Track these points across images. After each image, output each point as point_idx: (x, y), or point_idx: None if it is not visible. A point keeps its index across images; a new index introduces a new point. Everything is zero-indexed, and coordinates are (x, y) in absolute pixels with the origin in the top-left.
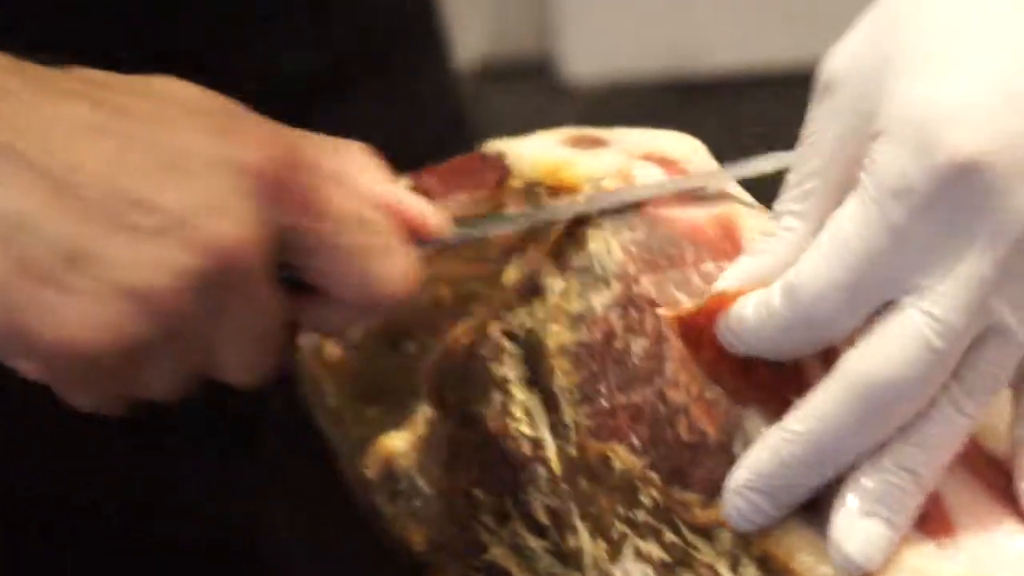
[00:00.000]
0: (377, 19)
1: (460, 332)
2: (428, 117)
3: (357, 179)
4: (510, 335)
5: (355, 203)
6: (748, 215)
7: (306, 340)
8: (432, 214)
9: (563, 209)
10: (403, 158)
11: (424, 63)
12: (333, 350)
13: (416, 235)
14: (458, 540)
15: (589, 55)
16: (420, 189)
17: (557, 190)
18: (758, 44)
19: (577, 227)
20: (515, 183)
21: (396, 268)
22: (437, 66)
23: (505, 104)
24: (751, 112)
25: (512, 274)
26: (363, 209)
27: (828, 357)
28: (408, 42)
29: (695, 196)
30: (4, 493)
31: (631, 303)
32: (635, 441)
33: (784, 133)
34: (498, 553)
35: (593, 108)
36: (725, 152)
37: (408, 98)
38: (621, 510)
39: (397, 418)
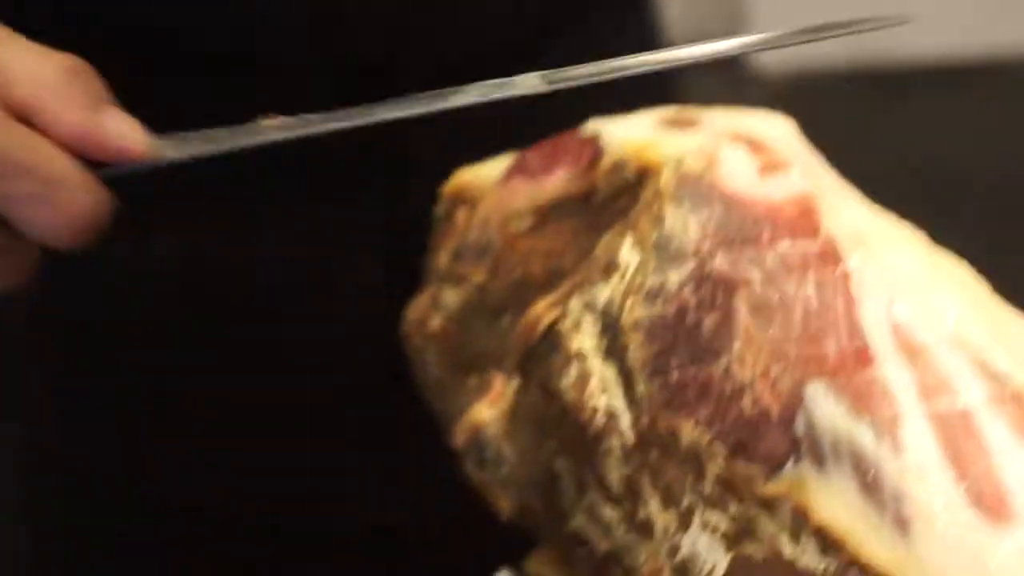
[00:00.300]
0: None
1: (542, 306)
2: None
3: (44, 111)
4: (589, 308)
5: (26, 148)
6: (828, 194)
7: (411, 312)
8: (130, 137)
9: (268, 131)
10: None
11: (626, 27)
12: (435, 321)
13: (116, 159)
14: (543, 508)
15: None
16: (524, 166)
17: (641, 170)
18: (946, 34)
19: (656, 202)
20: (606, 163)
21: (68, 213)
22: (641, 30)
23: (694, 93)
24: (939, 102)
25: (600, 250)
26: (35, 153)
27: (905, 348)
28: (608, 5)
29: (775, 173)
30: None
31: (704, 280)
32: (702, 414)
33: (969, 123)
34: (580, 521)
35: (782, 97)
36: (909, 141)
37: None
38: (689, 481)
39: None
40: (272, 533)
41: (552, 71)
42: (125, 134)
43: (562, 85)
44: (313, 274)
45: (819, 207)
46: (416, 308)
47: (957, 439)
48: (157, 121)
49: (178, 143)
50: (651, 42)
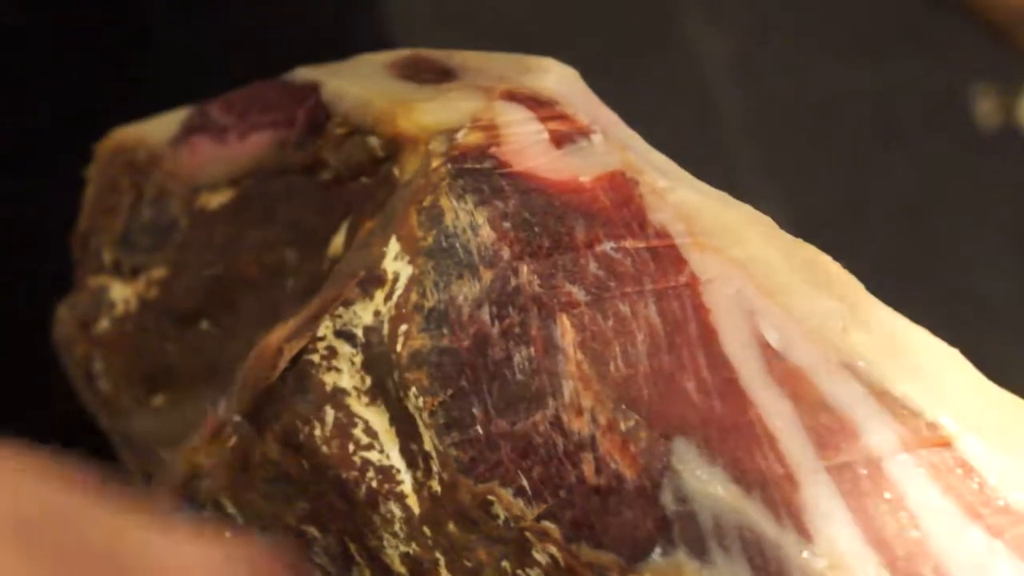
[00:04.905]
0: None
1: (279, 334)
2: None
3: None
4: (345, 336)
5: None
6: (646, 169)
7: (66, 312)
8: None
9: None
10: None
11: None
12: (102, 324)
13: None
14: None
15: None
16: (207, 123)
17: (393, 143)
18: None
19: (428, 194)
20: (336, 129)
21: None
22: None
23: None
24: None
25: (339, 244)
26: None
27: (784, 379)
28: None
29: (573, 142)
30: None
31: (509, 299)
32: (524, 482)
33: None
34: None
35: None
36: None
37: None
38: (507, 566)
39: (191, 413)
40: None
41: None
42: None
43: None
44: None
45: (639, 189)
46: (74, 307)
47: (871, 505)
48: None
49: None
50: None
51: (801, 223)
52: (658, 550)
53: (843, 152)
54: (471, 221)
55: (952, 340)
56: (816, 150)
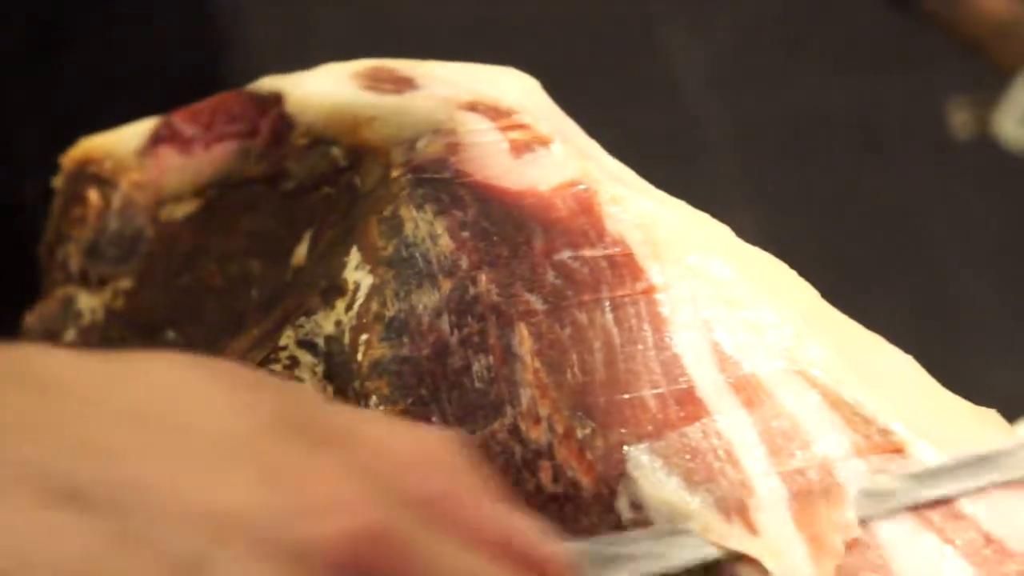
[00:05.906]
0: None
1: (243, 342)
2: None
3: (464, 507)
4: (306, 345)
5: (465, 562)
6: (604, 179)
7: (33, 321)
8: (552, 552)
9: None
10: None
11: None
12: (69, 333)
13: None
14: None
15: None
16: (173, 133)
17: (355, 153)
18: None
19: (388, 203)
20: (299, 139)
21: None
22: None
23: None
24: None
25: (302, 254)
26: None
27: (739, 386)
28: None
29: (532, 151)
30: None
31: (468, 308)
32: None
33: None
34: None
35: None
36: None
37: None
38: None
39: None
40: None
41: None
42: (548, 547)
43: None
44: None
45: (598, 198)
46: (41, 317)
47: (822, 511)
48: None
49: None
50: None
51: (777, 232)
52: None
53: (820, 162)
54: (430, 230)
55: (927, 345)
56: (793, 160)
